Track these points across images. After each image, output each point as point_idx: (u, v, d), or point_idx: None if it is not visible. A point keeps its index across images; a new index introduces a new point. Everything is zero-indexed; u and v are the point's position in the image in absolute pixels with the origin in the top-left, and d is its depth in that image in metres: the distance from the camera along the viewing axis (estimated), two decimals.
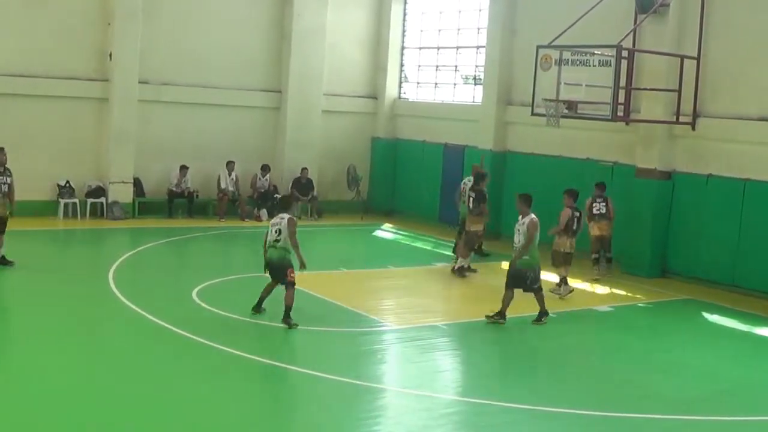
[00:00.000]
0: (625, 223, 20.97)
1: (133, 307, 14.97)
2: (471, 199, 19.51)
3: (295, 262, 14.26)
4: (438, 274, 20.02)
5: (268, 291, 14.80)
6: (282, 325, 14.05)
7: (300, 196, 26.64)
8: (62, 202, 24.05)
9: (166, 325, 13.92)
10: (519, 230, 15.50)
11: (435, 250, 23.11)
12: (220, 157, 26.13)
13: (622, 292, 18.80)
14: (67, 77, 24.28)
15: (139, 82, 25.04)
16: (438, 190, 26.60)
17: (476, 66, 26.75)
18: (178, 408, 10.47)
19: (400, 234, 25.07)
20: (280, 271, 14.37)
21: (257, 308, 14.76)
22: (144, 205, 25.40)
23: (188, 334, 13.45)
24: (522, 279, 15.40)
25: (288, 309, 14.23)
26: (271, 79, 27.48)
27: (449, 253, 21.55)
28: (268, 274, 14.62)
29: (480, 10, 26.32)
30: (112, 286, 16.50)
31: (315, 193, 27.24)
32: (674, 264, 20.62)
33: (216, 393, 11.04)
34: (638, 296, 18.27)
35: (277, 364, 12.31)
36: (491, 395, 11.57)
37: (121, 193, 24.87)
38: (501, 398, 11.41)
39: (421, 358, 13.58)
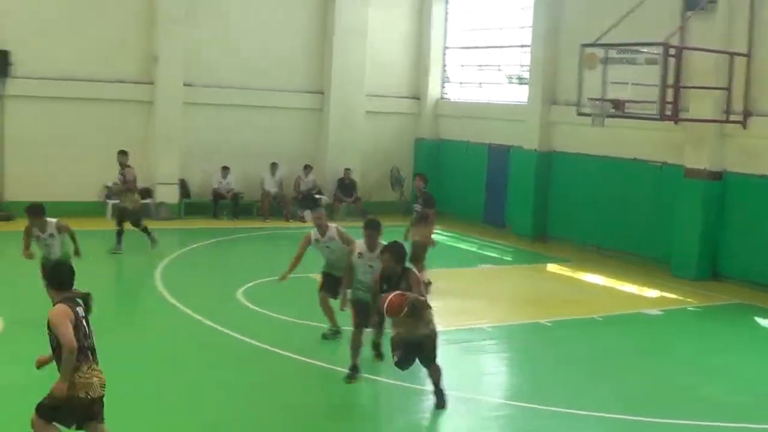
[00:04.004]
0: (674, 224, 20.69)
1: (179, 305, 15.04)
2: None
3: None
4: (483, 276, 19.89)
5: None
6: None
7: (343, 198, 26.63)
8: (110, 203, 24.23)
9: (212, 324, 13.95)
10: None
11: (479, 251, 22.99)
12: (263, 158, 26.22)
13: (672, 296, 18.46)
14: (114, 80, 24.52)
15: (184, 85, 25.23)
16: (483, 191, 26.45)
17: (521, 65, 26.55)
18: (221, 407, 10.44)
19: (445, 235, 24.89)
20: None
21: None
22: (190, 206, 25.55)
23: (233, 333, 13.48)
24: None
25: None
26: (314, 80, 27.49)
27: (494, 254, 21.43)
28: None
29: (523, 8, 26.10)
30: (159, 285, 16.59)
31: (358, 194, 27.18)
32: (725, 267, 20.15)
33: (256, 392, 11.02)
34: (689, 300, 17.99)
35: (320, 364, 12.26)
36: (537, 399, 11.42)
37: (168, 195, 25.06)
38: (547, 402, 11.27)
39: (465, 360, 13.47)
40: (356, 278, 11.68)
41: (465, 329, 14.79)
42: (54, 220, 13.86)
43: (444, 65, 29.29)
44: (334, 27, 27.12)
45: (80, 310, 7.79)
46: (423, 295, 10.33)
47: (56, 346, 7.56)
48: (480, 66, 28.30)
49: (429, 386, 10.88)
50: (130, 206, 19.90)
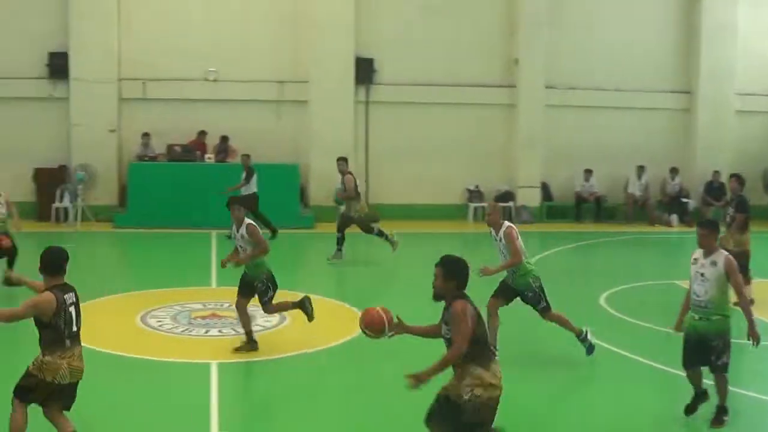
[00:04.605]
0: None
1: None
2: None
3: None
4: None
5: None
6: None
7: (712, 201, 25.48)
8: (472, 205, 24.76)
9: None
10: None
11: None
12: (627, 160, 25.69)
13: None
14: (475, 85, 24.93)
15: (546, 87, 25.20)
16: None
17: None
18: (583, 410, 10.15)
19: None
20: None
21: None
22: (551, 209, 25.49)
23: (595, 340, 13.12)
24: None
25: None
26: (679, 79, 26.52)
27: None
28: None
29: None
30: None
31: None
32: None
33: (620, 400, 10.63)
34: None
35: (679, 373, 11.60)
36: None
37: (529, 198, 25.15)
38: None
39: None
40: (692, 291, 9.63)
41: None
42: (249, 221, 12.08)
43: None
44: (701, 24, 26.02)
45: (70, 297, 7.86)
46: (457, 340, 7.34)
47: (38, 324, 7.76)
48: None
49: None
50: (354, 215, 18.60)
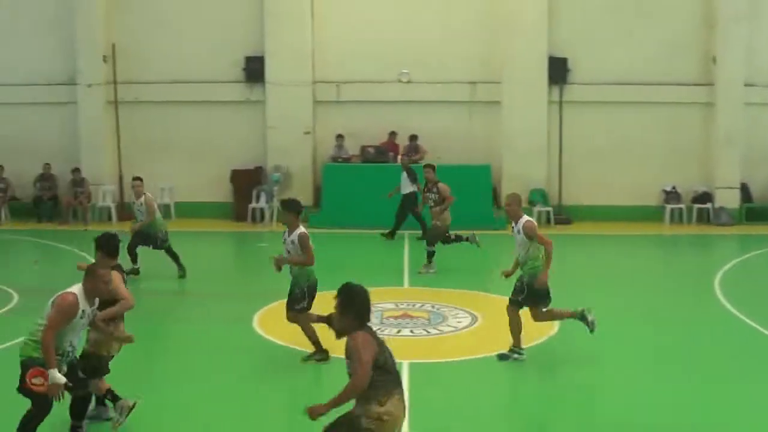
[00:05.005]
0: None
1: (739, 315, 14.34)
2: None
3: None
4: None
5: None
6: None
7: None
8: (668, 207, 24.12)
9: None
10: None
11: None
12: None
13: None
14: (671, 83, 24.23)
15: (745, 85, 24.22)
16: None
17: None
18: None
19: None
20: None
21: None
22: (751, 210, 24.59)
23: None
24: None
25: None
26: None
27: None
28: None
29: None
30: (718, 292, 16.02)
31: None
32: None
33: None
34: None
35: None
36: None
37: (728, 199, 24.27)
38: None
39: None
40: None
41: None
42: (303, 230, 11.57)
43: None
44: None
45: (124, 276, 9.11)
46: (356, 375, 6.78)
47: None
48: None
49: None
50: (441, 224, 17.68)
